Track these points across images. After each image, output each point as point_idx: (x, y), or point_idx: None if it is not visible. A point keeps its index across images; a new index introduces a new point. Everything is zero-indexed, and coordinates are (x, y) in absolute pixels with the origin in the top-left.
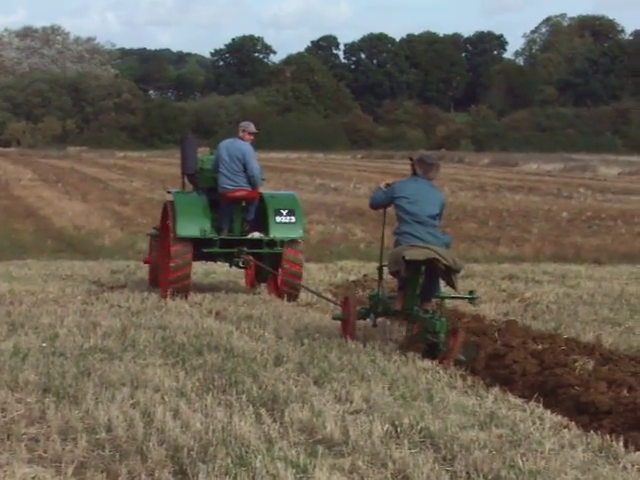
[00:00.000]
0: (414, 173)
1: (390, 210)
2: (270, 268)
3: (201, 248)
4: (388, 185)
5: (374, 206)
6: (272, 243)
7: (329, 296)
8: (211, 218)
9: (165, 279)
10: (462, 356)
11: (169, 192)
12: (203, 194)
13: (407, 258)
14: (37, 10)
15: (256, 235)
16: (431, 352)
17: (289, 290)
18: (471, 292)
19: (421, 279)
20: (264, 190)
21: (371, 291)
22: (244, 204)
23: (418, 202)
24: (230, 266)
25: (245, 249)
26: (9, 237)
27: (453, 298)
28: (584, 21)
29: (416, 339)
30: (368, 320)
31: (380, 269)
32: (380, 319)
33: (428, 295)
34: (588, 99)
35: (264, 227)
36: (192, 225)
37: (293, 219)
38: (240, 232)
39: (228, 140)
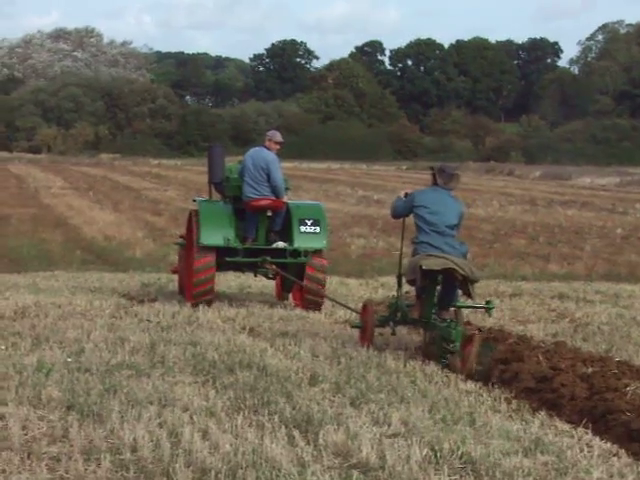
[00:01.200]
0: (435, 183)
1: (409, 220)
2: (294, 278)
3: (224, 257)
4: (407, 194)
5: (395, 216)
6: (296, 253)
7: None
8: (235, 227)
9: (189, 290)
10: (477, 365)
11: (194, 200)
12: (229, 203)
13: (424, 267)
14: (71, 12)
15: (280, 245)
16: (446, 360)
17: (313, 298)
18: (487, 302)
19: (439, 288)
20: (290, 200)
21: (390, 299)
22: (270, 214)
23: (438, 212)
24: (255, 276)
25: (269, 258)
26: (37, 247)
27: (470, 307)
28: None
29: (433, 347)
30: (387, 328)
31: (399, 278)
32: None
33: (445, 304)
34: None
35: (288, 237)
36: (215, 234)
37: (317, 229)
38: (265, 242)
39: (254, 149)
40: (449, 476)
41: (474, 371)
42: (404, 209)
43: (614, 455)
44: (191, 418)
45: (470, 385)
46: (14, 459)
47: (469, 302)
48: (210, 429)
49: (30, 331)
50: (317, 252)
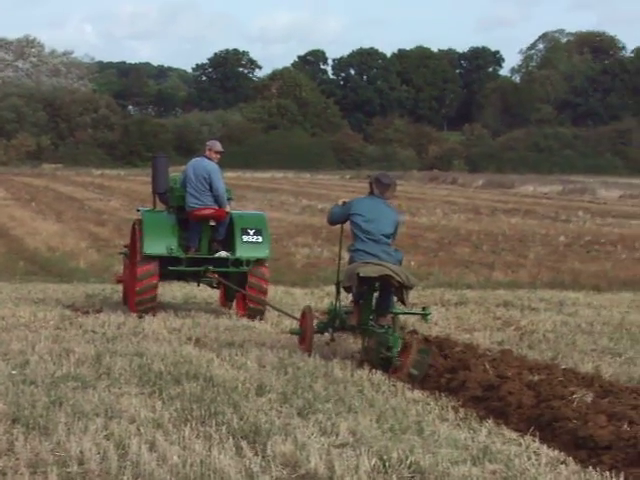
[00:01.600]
0: (372, 192)
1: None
2: (236, 286)
3: (168, 266)
4: (345, 203)
5: (332, 222)
6: (238, 262)
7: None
8: (179, 237)
9: (132, 299)
10: (414, 370)
11: (138, 210)
12: (173, 213)
13: (361, 275)
14: (12, 21)
15: (223, 254)
16: (385, 366)
17: (255, 306)
18: (424, 308)
19: (376, 295)
20: (233, 209)
21: (329, 306)
22: (213, 223)
23: (373, 220)
24: (198, 285)
25: (211, 268)
26: None
27: (407, 314)
28: (583, 37)
29: (372, 353)
30: (326, 334)
31: (337, 285)
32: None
33: (383, 310)
34: (587, 119)
35: (231, 246)
36: (159, 243)
37: (260, 239)
38: (208, 251)
39: (195, 159)
40: None
41: (411, 377)
42: (340, 216)
43: (562, 463)
44: (138, 430)
45: (417, 394)
46: None
47: (405, 309)
48: (157, 441)
49: None
50: (259, 261)
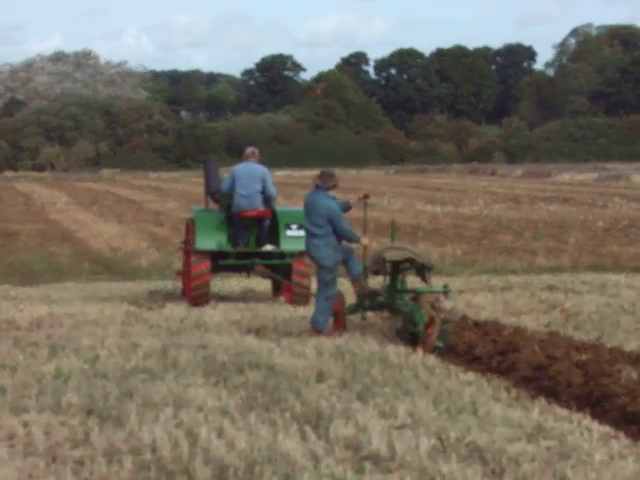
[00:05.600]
0: (316, 186)
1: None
2: (281, 277)
3: (218, 260)
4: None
5: None
6: (282, 255)
7: None
8: (228, 233)
9: (188, 288)
10: (439, 342)
11: (191, 209)
12: (223, 211)
13: (387, 259)
14: (72, 36)
15: (268, 248)
16: (412, 340)
17: (300, 291)
18: (445, 286)
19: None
20: (278, 206)
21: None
22: (257, 221)
23: (307, 215)
24: (248, 276)
25: (258, 260)
26: (46, 261)
27: (428, 292)
28: (613, 30)
29: (400, 329)
30: (357, 315)
31: (365, 269)
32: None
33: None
34: (620, 108)
35: (276, 240)
36: (210, 239)
37: (302, 233)
38: (255, 245)
39: (244, 163)
40: (457, 463)
41: (437, 349)
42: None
43: (613, 437)
44: (206, 418)
45: (470, 376)
46: (39, 464)
47: (427, 287)
48: (225, 428)
49: (46, 341)
50: (302, 253)
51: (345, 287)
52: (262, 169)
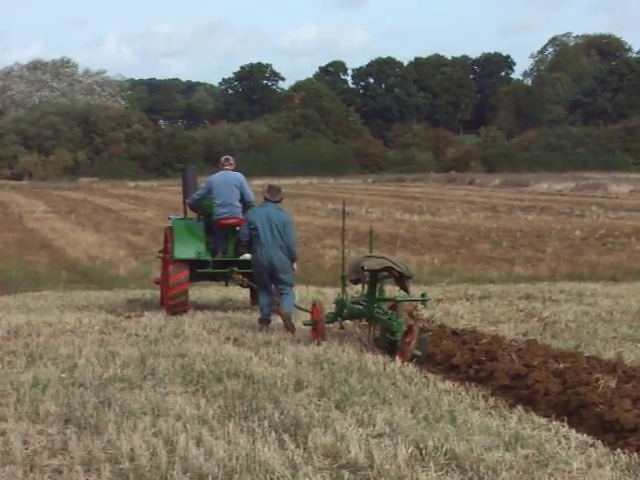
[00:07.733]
0: (265, 199)
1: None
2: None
3: (197, 269)
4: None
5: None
6: None
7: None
8: (206, 242)
9: (166, 297)
10: (417, 351)
11: (169, 218)
12: (201, 220)
13: (365, 268)
14: (52, 45)
15: (247, 256)
16: (391, 349)
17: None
18: (423, 294)
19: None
20: None
21: (336, 297)
22: (237, 228)
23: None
24: (226, 285)
25: (236, 269)
26: (24, 269)
27: (408, 301)
28: (591, 40)
29: (378, 338)
30: (335, 323)
31: (343, 278)
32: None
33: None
34: (597, 118)
35: None
36: (188, 248)
37: None
38: (233, 254)
39: (220, 172)
40: (435, 472)
41: (415, 357)
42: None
43: (591, 446)
44: (184, 426)
45: (448, 384)
46: (17, 472)
47: (406, 296)
48: (204, 436)
49: (24, 349)
50: None
51: (325, 297)
52: (238, 176)
